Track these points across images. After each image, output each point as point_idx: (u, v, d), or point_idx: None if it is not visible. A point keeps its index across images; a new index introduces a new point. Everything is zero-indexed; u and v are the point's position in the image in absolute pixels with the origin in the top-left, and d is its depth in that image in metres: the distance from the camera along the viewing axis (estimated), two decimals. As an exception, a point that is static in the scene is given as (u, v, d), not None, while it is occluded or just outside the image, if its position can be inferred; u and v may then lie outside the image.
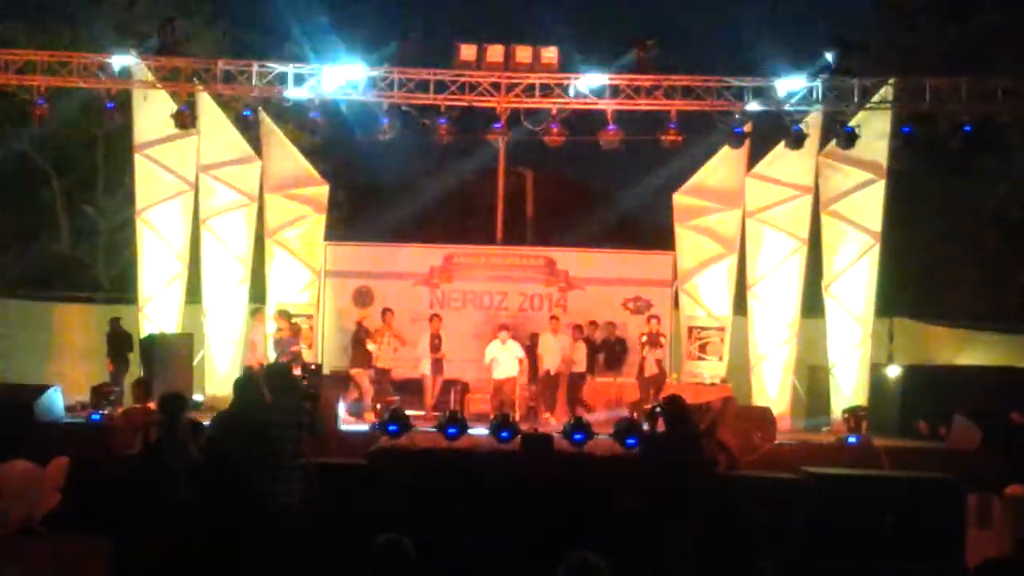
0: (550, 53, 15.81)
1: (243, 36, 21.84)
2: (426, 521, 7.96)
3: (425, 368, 16.30)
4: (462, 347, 17.06)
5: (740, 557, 8.41)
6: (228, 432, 8.14)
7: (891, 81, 16.01)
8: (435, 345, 16.29)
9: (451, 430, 12.13)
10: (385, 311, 16.54)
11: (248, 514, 7.61)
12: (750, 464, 11.61)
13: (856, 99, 15.98)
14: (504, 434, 11.91)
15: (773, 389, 16.75)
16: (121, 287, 17.43)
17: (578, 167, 17.42)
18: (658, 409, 9.33)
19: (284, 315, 16.01)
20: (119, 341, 16.50)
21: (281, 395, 8.33)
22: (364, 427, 13.95)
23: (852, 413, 14.88)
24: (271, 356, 15.74)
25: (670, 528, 8.50)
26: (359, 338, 16.25)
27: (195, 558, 7.37)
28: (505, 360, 16.08)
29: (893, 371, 16.72)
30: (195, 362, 16.81)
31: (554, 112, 15.83)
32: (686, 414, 8.84)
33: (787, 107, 15.83)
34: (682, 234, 17.66)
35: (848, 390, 16.37)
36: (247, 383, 8.87)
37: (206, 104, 16.56)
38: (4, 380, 15.32)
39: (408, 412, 13.37)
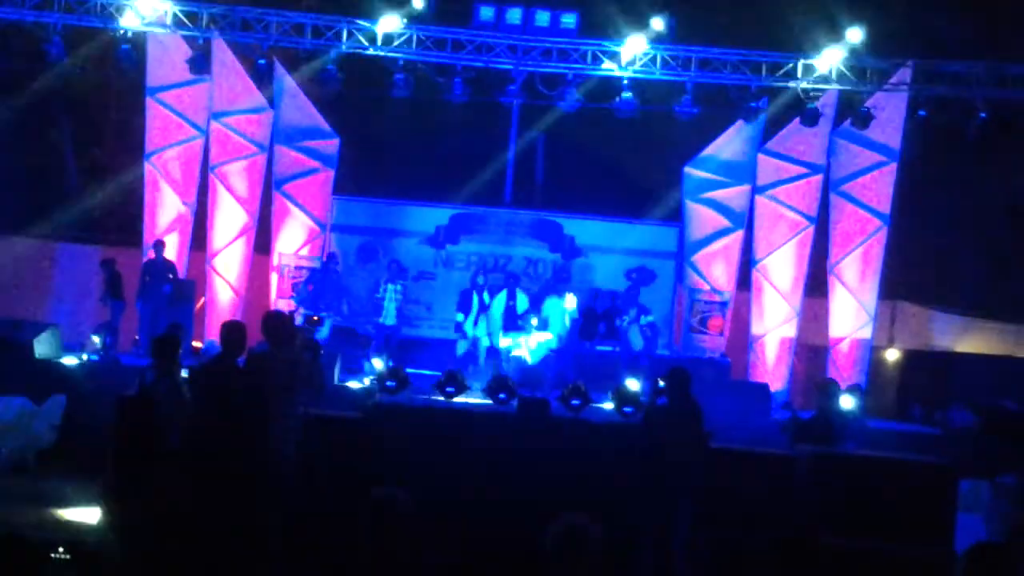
0: (569, 18, 15.74)
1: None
2: (421, 477, 7.96)
3: None
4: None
5: (733, 532, 8.43)
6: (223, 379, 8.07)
7: (909, 63, 15.94)
8: None
9: (448, 388, 12.18)
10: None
11: (244, 462, 7.60)
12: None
13: (873, 80, 15.91)
14: (501, 395, 11.94)
15: (772, 366, 16.77)
16: (126, 230, 17.43)
17: (591, 134, 17.36)
18: (661, 382, 9.30)
19: None
20: (115, 283, 16.42)
21: (278, 344, 8.20)
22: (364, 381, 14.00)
23: (849, 394, 14.89)
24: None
25: (666, 501, 8.52)
26: None
27: (189, 507, 7.35)
28: None
29: (893, 354, 16.73)
30: (197, 307, 16.80)
31: (570, 78, 15.78)
32: (689, 388, 8.82)
33: (803, 84, 15.76)
34: (690, 207, 17.61)
35: (847, 371, 16.39)
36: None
37: (221, 51, 16.49)
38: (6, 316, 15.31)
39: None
